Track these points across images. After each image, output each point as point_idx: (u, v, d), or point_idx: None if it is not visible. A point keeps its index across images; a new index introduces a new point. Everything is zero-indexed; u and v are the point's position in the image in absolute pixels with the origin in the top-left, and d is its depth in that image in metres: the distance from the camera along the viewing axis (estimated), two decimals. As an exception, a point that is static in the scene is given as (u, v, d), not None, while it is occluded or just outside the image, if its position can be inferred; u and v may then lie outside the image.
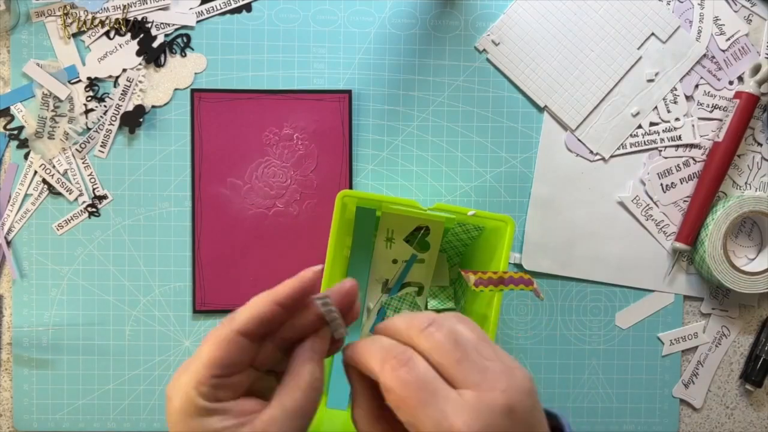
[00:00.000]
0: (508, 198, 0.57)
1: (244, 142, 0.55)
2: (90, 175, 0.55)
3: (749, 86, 0.56)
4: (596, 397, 0.57)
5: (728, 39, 0.57)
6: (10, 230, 0.54)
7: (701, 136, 0.57)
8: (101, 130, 0.54)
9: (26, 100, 0.54)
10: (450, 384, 0.32)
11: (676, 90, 0.57)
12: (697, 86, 0.57)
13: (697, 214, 0.56)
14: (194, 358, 0.35)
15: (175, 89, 0.55)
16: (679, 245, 0.56)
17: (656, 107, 0.57)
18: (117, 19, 0.54)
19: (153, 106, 0.55)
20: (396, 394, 0.32)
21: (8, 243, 0.54)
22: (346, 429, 0.50)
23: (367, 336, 0.55)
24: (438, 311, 0.48)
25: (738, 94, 0.56)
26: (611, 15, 0.56)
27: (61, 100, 0.54)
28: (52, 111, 0.54)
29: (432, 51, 0.56)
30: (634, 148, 0.57)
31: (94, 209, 0.55)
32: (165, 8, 0.54)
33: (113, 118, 0.54)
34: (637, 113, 0.57)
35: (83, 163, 0.54)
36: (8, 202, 0.54)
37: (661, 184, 0.57)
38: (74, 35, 0.54)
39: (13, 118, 0.54)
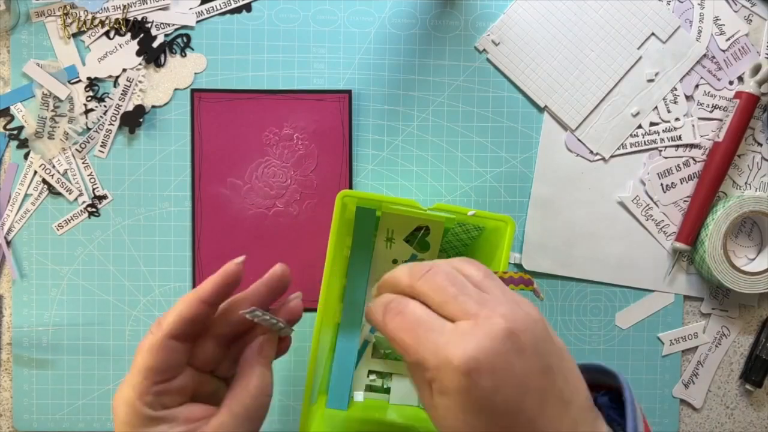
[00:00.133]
0: (508, 198, 0.57)
1: (244, 142, 0.55)
2: (90, 175, 0.55)
3: (749, 86, 0.56)
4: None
5: (728, 39, 0.57)
6: (10, 230, 0.54)
7: (701, 136, 0.57)
8: (101, 130, 0.54)
9: (26, 100, 0.54)
10: (450, 320, 0.31)
11: (676, 90, 0.57)
12: (697, 86, 0.57)
13: (697, 214, 0.56)
14: (132, 369, 0.35)
15: (175, 89, 0.55)
16: (679, 245, 0.56)
17: (656, 107, 0.57)
18: (117, 19, 0.54)
19: (153, 106, 0.55)
20: (397, 342, 0.32)
21: (8, 243, 0.54)
22: (346, 429, 0.50)
23: (368, 335, 0.55)
24: None
25: (738, 94, 0.56)
26: (611, 15, 0.56)
27: (61, 100, 0.54)
28: (52, 111, 0.54)
29: (432, 51, 0.56)
30: (634, 148, 0.57)
31: (94, 209, 0.55)
32: (165, 8, 0.54)
33: (113, 118, 0.54)
34: (637, 113, 0.57)
35: (83, 163, 0.54)
36: (8, 202, 0.54)
37: (661, 184, 0.57)
38: (74, 35, 0.54)
39: (13, 118, 0.54)
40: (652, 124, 0.57)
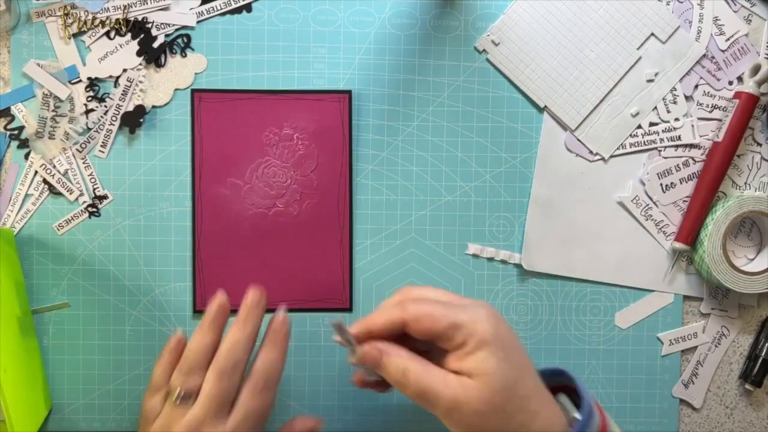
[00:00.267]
0: (508, 198, 0.57)
1: (244, 142, 0.55)
2: (90, 175, 0.55)
3: (749, 86, 0.56)
4: (596, 397, 0.57)
5: (728, 39, 0.57)
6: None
7: (701, 136, 0.57)
8: (101, 130, 0.54)
9: (27, 100, 0.54)
10: None
11: (675, 90, 0.57)
12: (696, 86, 0.57)
13: (696, 214, 0.56)
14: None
15: (176, 89, 0.55)
16: (679, 245, 0.56)
17: (656, 107, 0.57)
18: (117, 20, 0.54)
19: (153, 106, 0.55)
20: (427, 313, 0.41)
21: (8, 243, 0.54)
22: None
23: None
24: None
25: (738, 94, 0.56)
26: (611, 15, 0.56)
27: (61, 100, 0.54)
28: (53, 111, 0.54)
29: (432, 51, 0.56)
30: (633, 148, 0.57)
31: (94, 209, 0.55)
32: (165, 8, 0.54)
33: (113, 118, 0.54)
34: (637, 113, 0.57)
35: (83, 163, 0.54)
36: (9, 202, 0.54)
37: (661, 184, 0.57)
38: (74, 35, 0.54)
39: (13, 118, 0.54)
40: (651, 124, 0.57)
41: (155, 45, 0.54)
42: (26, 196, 0.54)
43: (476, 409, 0.39)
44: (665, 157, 0.57)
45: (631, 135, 0.57)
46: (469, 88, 0.56)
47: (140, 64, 0.54)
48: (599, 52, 0.56)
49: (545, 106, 0.56)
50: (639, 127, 0.57)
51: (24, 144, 0.54)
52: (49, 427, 0.55)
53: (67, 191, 0.54)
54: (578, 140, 0.57)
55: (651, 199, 0.57)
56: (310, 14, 0.55)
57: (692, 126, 0.57)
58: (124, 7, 0.54)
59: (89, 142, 0.54)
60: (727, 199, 0.57)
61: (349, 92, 0.55)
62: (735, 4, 0.57)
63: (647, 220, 0.57)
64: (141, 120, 0.54)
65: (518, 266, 0.57)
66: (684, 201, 0.57)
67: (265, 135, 0.55)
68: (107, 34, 0.54)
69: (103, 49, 0.54)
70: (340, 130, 0.55)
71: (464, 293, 0.57)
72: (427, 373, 0.40)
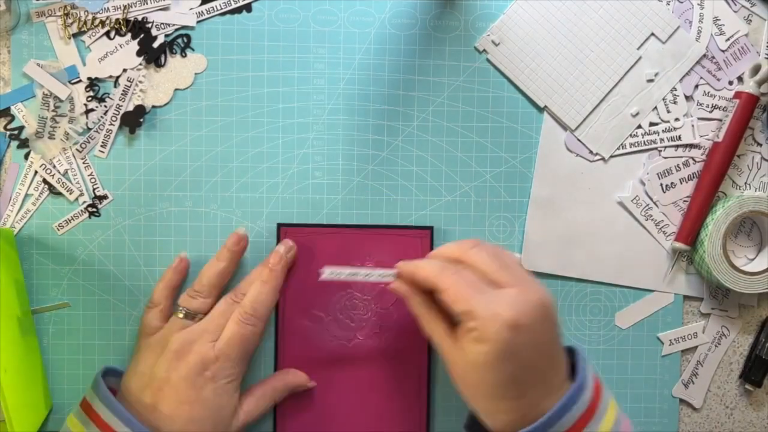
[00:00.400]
0: (508, 198, 0.57)
1: None
2: (90, 175, 0.55)
3: (749, 86, 0.56)
4: (596, 397, 0.57)
5: (728, 39, 0.57)
6: (10, 230, 0.54)
7: (701, 136, 0.57)
8: (101, 130, 0.54)
9: (27, 100, 0.54)
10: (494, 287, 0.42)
11: (675, 90, 0.57)
12: (696, 86, 0.57)
13: (696, 214, 0.56)
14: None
15: (176, 89, 0.55)
16: (679, 245, 0.56)
17: (656, 107, 0.57)
18: (117, 20, 0.54)
19: (153, 106, 0.55)
20: (453, 290, 0.42)
21: (9, 243, 0.54)
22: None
23: None
24: None
25: (738, 94, 0.56)
26: (611, 15, 0.56)
27: (61, 100, 0.54)
28: (53, 111, 0.54)
29: (432, 51, 0.56)
30: (633, 148, 0.57)
31: (94, 209, 0.55)
32: (165, 8, 0.54)
33: (113, 118, 0.54)
34: (637, 113, 0.57)
35: (83, 163, 0.54)
36: (9, 202, 0.54)
37: (661, 184, 0.57)
38: (74, 35, 0.54)
39: (13, 118, 0.54)
40: (651, 124, 0.57)
41: (155, 45, 0.54)
42: (26, 196, 0.54)
43: (459, 377, 0.43)
44: (665, 157, 0.57)
45: (631, 135, 0.57)
46: (469, 88, 0.56)
47: (140, 64, 0.54)
48: (599, 52, 0.56)
49: (545, 106, 0.56)
50: (639, 127, 0.57)
51: (24, 144, 0.54)
52: (49, 427, 0.55)
53: (67, 191, 0.54)
54: (578, 140, 0.57)
55: (651, 199, 0.57)
56: (310, 14, 0.55)
57: (692, 126, 0.57)
58: (124, 7, 0.54)
59: (89, 142, 0.54)
60: (727, 199, 0.57)
61: (431, 228, 0.55)
62: (735, 4, 0.57)
63: (647, 220, 0.57)
64: (141, 120, 0.54)
65: (518, 266, 0.57)
66: (684, 201, 0.57)
67: (350, 268, 0.55)
68: (107, 34, 0.54)
69: (103, 49, 0.54)
70: None
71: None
72: (431, 330, 0.45)
